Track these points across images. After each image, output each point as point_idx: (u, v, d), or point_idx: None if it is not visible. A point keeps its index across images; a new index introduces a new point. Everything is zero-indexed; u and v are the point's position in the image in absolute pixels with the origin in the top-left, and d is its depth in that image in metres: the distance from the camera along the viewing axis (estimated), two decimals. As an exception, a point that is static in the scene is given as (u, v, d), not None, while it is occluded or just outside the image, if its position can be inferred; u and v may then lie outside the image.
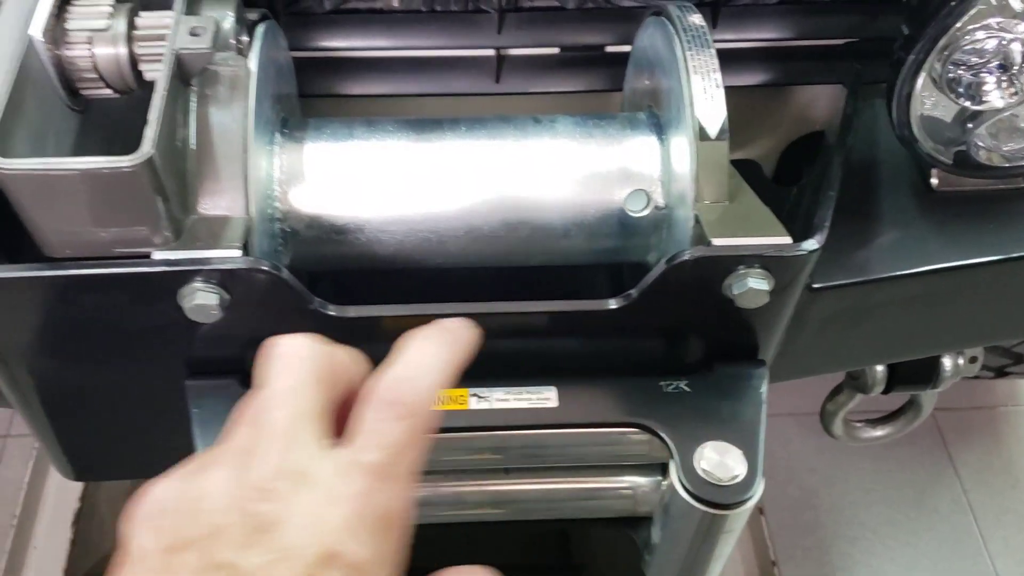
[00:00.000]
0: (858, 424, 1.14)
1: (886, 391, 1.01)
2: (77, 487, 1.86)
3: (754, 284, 0.65)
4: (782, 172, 1.06)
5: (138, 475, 0.87)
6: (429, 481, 0.76)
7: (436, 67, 0.93)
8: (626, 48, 0.90)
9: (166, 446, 0.81)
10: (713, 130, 0.69)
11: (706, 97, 0.70)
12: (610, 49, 0.94)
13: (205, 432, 0.68)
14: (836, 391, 1.09)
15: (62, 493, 1.85)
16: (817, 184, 0.98)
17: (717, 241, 0.66)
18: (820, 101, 1.00)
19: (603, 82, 0.95)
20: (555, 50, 0.94)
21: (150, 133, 0.59)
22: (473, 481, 0.76)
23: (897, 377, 1.00)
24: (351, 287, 0.88)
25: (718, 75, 0.71)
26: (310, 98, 0.91)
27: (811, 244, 0.66)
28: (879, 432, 1.14)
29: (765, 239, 0.66)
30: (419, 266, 0.80)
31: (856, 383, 1.03)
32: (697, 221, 0.69)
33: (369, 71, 0.93)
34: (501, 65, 0.92)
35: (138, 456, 0.82)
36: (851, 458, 1.92)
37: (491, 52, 0.92)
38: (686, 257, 0.65)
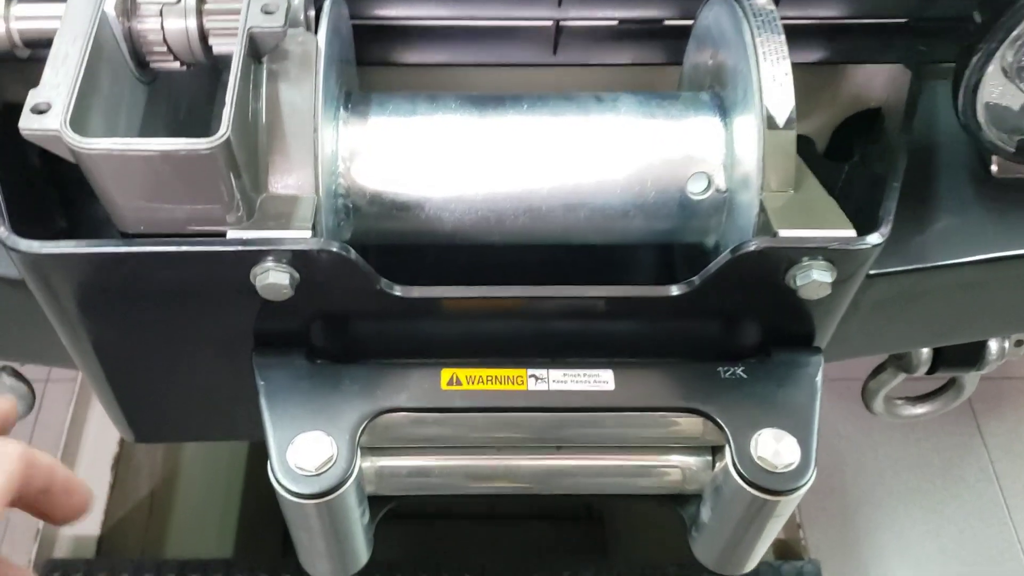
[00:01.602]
0: (899, 402, 1.15)
1: (930, 372, 1.02)
2: (116, 431, 1.89)
3: (818, 276, 0.65)
4: (834, 147, 1.05)
5: (197, 438, 0.90)
6: (484, 454, 0.78)
7: (493, 36, 0.93)
8: (686, 22, 0.89)
9: (225, 410, 0.84)
10: (781, 118, 0.69)
11: (775, 84, 0.69)
12: (669, 22, 0.93)
13: (272, 403, 0.69)
14: (879, 369, 1.10)
15: (101, 437, 1.89)
16: (872, 162, 0.98)
17: (783, 232, 0.66)
18: (877, 79, 0.99)
19: (661, 55, 0.94)
20: (613, 21, 0.93)
21: (226, 115, 0.59)
22: (524, 456, 0.78)
23: (942, 359, 1.01)
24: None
25: (787, 62, 0.70)
26: (366, 66, 0.91)
27: (875, 238, 0.67)
28: (920, 410, 1.15)
29: (830, 231, 0.66)
30: (476, 243, 0.81)
31: (900, 363, 1.04)
32: (762, 209, 0.69)
33: (425, 39, 0.92)
34: (559, 36, 0.92)
35: (197, 421, 0.84)
36: (879, 425, 1.93)
37: (549, 23, 0.91)
38: (752, 248, 0.65)
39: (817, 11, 0.91)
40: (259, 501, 1.83)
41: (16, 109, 0.87)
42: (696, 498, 0.79)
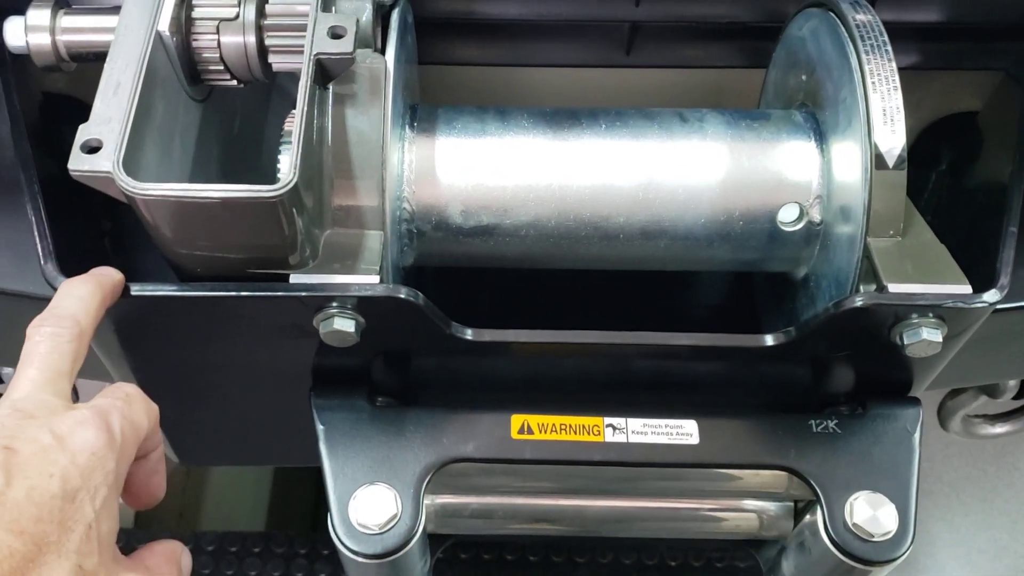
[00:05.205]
0: (977, 420, 1.10)
1: (1017, 396, 0.97)
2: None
3: (928, 335, 0.60)
4: (918, 152, 0.98)
5: (244, 463, 0.87)
6: (552, 496, 0.74)
7: (563, 35, 0.87)
8: (769, 24, 0.82)
9: (275, 440, 0.80)
10: (892, 159, 0.63)
11: (886, 120, 0.63)
12: (750, 24, 0.86)
13: (333, 450, 0.65)
14: (958, 390, 1.04)
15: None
16: (964, 173, 0.91)
17: (892, 287, 0.60)
18: (972, 82, 0.92)
19: (741, 58, 0.88)
20: (692, 22, 0.86)
21: (291, 160, 0.54)
22: (595, 499, 0.74)
23: (1033, 385, 0.95)
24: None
25: (899, 94, 0.64)
26: (427, 65, 0.85)
27: (993, 295, 0.61)
28: (999, 429, 1.10)
29: (942, 286, 0.61)
30: (544, 268, 0.76)
31: (984, 387, 0.98)
32: (867, 256, 0.63)
33: (491, 38, 0.86)
34: (634, 36, 0.86)
35: (246, 448, 0.81)
36: (931, 411, 1.87)
37: (624, 22, 0.85)
38: (858, 304, 0.60)
39: (916, 15, 0.84)
40: (290, 475, 1.81)
41: (55, 99, 0.83)
42: (774, 543, 0.75)
